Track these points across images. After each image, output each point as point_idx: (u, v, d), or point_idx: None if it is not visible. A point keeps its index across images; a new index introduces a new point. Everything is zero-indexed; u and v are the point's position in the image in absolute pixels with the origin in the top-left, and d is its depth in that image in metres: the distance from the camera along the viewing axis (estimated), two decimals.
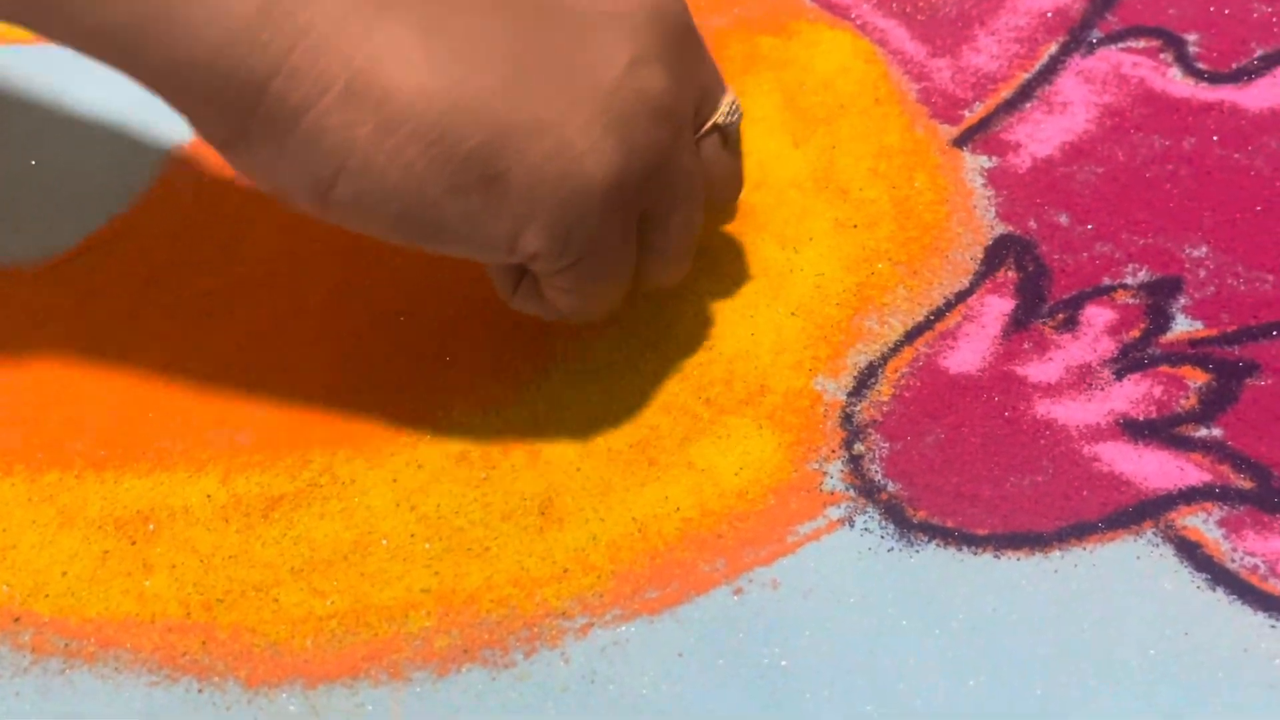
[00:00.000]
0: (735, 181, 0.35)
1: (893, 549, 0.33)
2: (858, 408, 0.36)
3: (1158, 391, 0.36)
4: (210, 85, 0.26)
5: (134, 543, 0.34)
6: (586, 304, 0.32)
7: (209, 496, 0.35)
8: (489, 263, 0.32)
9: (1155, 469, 0.34)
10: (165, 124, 0.46)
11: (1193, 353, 0.37)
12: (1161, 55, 0.45)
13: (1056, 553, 0.33)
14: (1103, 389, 0.36)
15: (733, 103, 0.33)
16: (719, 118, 0.32)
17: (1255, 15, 0.46)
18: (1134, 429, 0.35)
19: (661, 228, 0.31)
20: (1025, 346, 0.37)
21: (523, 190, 0.27)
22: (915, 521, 0.34)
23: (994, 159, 0.43)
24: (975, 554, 0.33)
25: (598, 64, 0.28)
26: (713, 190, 0.34)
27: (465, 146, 0.26)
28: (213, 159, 0.45)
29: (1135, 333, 0.37)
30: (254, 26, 0.26)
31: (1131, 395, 0.36)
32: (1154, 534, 0.33)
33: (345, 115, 0.26)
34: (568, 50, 0.28)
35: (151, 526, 0.34)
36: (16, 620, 0.33)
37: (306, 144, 0.27)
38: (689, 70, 0.31)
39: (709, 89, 0.32)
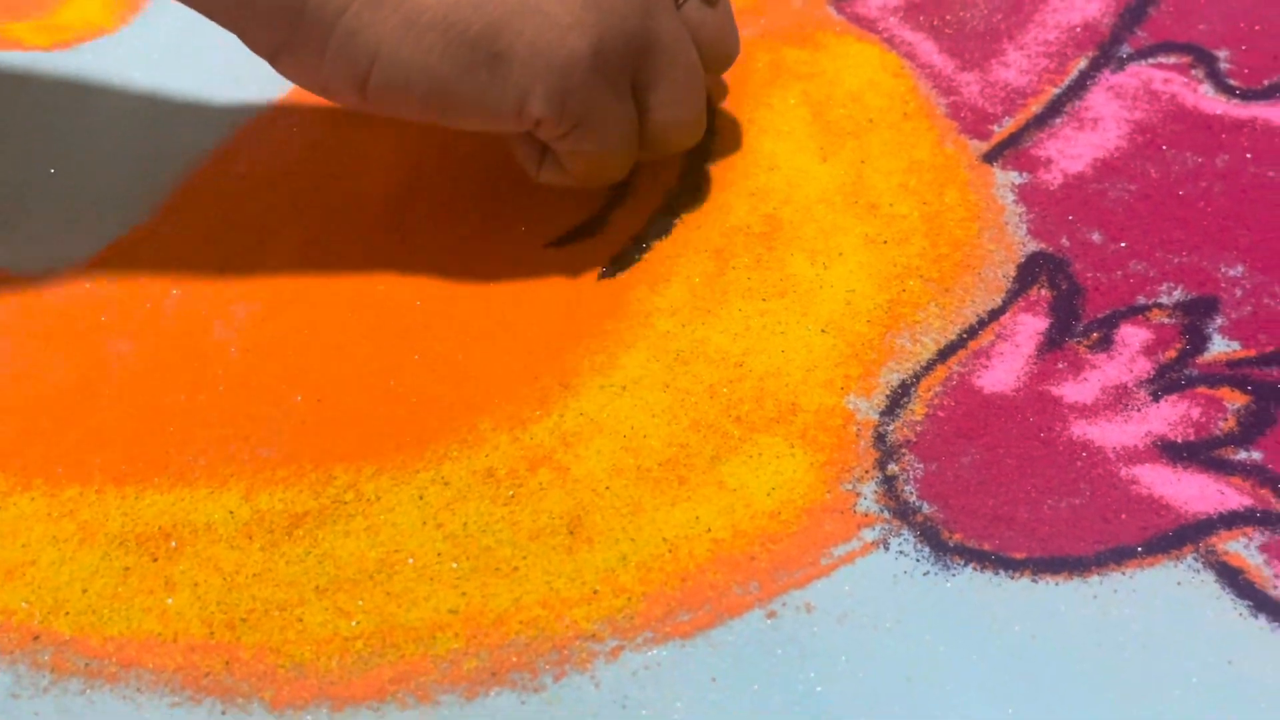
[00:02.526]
0: (725, 39, 0.39)
1: (928, 572, 0.33)
2: (891, 427, 0.36)
3: (1196, 413, 0.35)
4: (258, 5, 0.32)
5: (155, 560, 0.34)
6: (596, 166, 0.37)
7: (231, 513, 0.34)
8: (508, 134, 0.37)
9: (1195, 492, 0.34)
10: (185, 132, 0.45)
11: (1230, 374, 0.36)
12: (1193, 71, 0.45)
13: (1095, 577, 0.32)
14: (1139, 410, 0.36)
15: None
16: None
17: None
18: (1172, 451, 0.35)
19: (655, 89, 0.36)
20: (1060, 366, 0.37)
21: (523, 63, 0.33)
22: (951, 544, 0.33)
23: (1025, 175, 0.42)
24: (1013, 578, 0.32)
25: None
26: (704, 51, 0.38)
27: (473, 30, 0.32)
28: (233, 169, 0.44)
29: (1171, 353, 0.37)
30: None
31: (1169, 417, 0.35)
32: (1194, 559, 0.32)
33: (374, 14, 0.32)
34: None
35: (173, 543, 0.34)
36: (36, 638, 0.32)
37: (344, 43, 0.32)
38: None
39: None
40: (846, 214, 0.41)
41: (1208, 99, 0.44)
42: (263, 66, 0.33)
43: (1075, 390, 0.36)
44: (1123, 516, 0.33)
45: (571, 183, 0.39)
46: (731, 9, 0.39)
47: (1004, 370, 0.37)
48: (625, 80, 0.35)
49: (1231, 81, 0.44)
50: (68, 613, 0.32)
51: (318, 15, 0.32)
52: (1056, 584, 0.32)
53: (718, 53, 0.39)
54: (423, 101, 0.34)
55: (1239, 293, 0.38)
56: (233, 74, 0.46)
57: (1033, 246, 0.40)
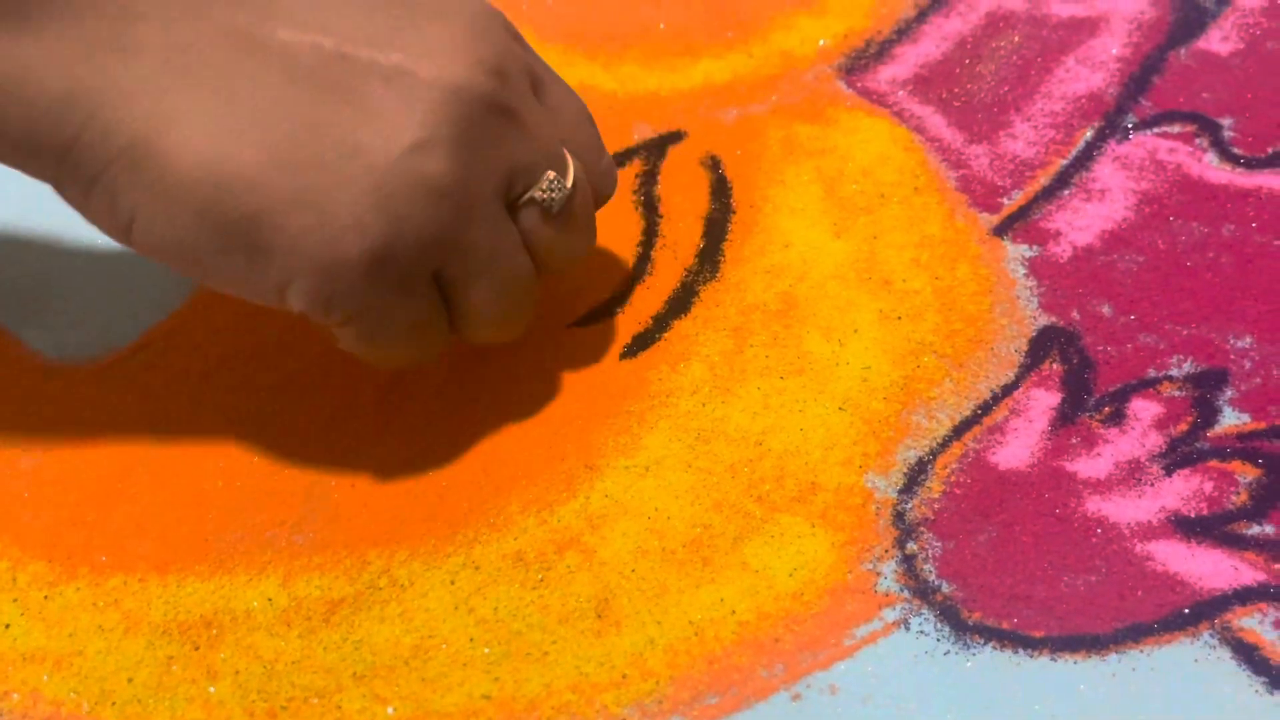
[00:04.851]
0: (563, 252, 0.36)
1: (949, 652, 0.33)
2: (909, 505, 0.37)
3: (1208, 487, 0.36)
4: (21, 150, 0.31)
5: (198, 648, 0.35)
6: (377, 355, 0.35)
7: (270, 600, 0.36)
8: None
9: (1209, 568, 0.34)
10: None
11: (1241, 447, 0.37)
12: (1197, 140, 0.46)
13: (1114, 655, 0.33)
14: (1153, 485, 0.36)
15: (552, 180, 0.34)
16: (536, 193, 0.34)
17: None
18: (1186, 526, 0.35)
19: (463, 291, 0.34)
20: (1073, 441, 0.38)
21: (282, 258, 0.31)
22: (970, 623, 0.34)
23: (1035, 248, 0.43)
24: (1032, 656, 0.33)
25: (377, 144, 0.31)
26: (539, 259, 0.36)
27: (231, 217, 0.30)
28: None
29: (1183, 426, 0.38)
30: (58, 106, 0.30)
31: (1182, 491, 0.36)
32: (1211, 635, 0.33)
33: (130, 179, 0.30)
34: (352, 128, 0.30)
35: (214, 631, 0.35)
36: None
37: (102, 201, 0.31)
38: (492, 149, 0.32)
39: (527, 164, 0.34)
40: (860, 290, 0.42)
41: (1213, 168, 0.45)
42: None
43: (1089, 466, 0.37)
44: (1139, 593, 0.34)
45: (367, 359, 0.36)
46: (583, 217, 0.36)
47: (1018, 446, 0.38)
48: (422, 278, 0.33)
49: (1236, 150, 0.45)
50: (114, 702, 0.34)
51: (76, 172, 0.31)
52: (1075, 662, 0.33)
53: (552, 263, 0.36)
54: (183, 268, 0.33)
55: (1248, 364, 0.39)
56: None
57: (1044, 320, 0.41)
